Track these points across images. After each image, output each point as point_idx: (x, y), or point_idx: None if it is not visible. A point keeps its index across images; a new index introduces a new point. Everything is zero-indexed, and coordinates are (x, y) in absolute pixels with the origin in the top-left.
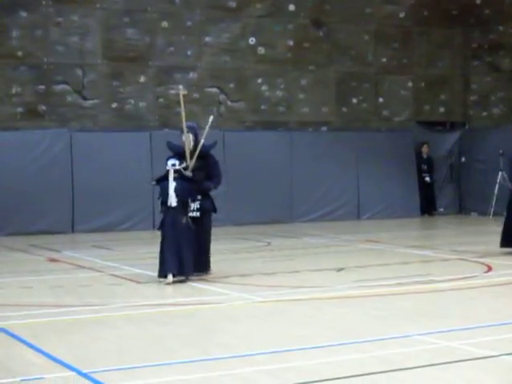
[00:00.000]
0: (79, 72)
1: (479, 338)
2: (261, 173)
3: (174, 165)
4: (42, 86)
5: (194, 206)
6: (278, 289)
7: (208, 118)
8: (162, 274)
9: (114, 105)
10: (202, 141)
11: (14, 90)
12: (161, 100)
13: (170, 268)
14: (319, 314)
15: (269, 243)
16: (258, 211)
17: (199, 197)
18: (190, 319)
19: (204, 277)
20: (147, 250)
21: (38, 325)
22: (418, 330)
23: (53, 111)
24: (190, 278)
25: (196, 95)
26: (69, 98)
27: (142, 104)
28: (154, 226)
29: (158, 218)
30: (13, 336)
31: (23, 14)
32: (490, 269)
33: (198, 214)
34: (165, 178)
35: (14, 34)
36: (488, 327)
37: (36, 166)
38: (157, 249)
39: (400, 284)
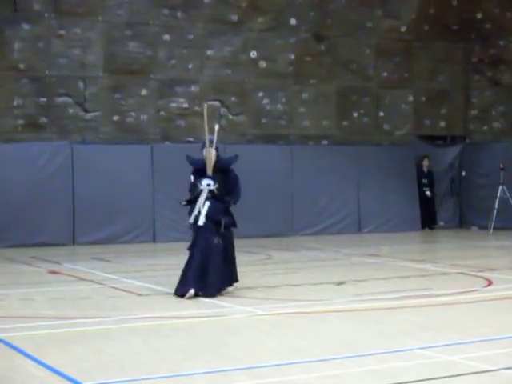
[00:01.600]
0: (81, 84)
1: (479, 352)
2: (261, 186)
3: (209, 185)
4: (44, 99)
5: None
6: (278, 302)
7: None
8: (181, 292)
9: (116, 117)
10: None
11: (15, 103)
12: (162, 113)
13: (192, 285)
14: (319, 328)
15: (269, 256)
16: (259, 224)
17: None
18: (191, 332)
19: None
20: (148, 262)
21: (38, 337)
22: (417, 343)
23: (54, 123)
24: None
25: (197, 108)
26: (70, 111)
27: (143, 117)
28: (154, 239)
29: (159, 230)
30: (13, 348)
31: (25, 26)
32: (490, 283)
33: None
34: (197, 197)
35: (17, 46)
36: (488, 341)
37: (37, 178)
38: (157, 261)
39: (400, 298)
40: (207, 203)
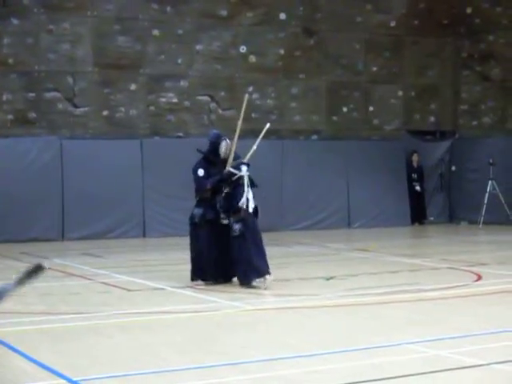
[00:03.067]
0: (70, 79)
1: (469, 346)
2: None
3: (248, 171)
4: (33, 94)
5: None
6: (268, 297)
7: (265, 125)
8: (261, 275)
9: (105, 112)
10: (255, 147)
11: (4, 98)
12: (152, 108)
13: (268, 268)
14: (309, 323)
15: None
16: None
17: None
18: (181, 327)
19: (193, 285)
20: (138, 257)
21: (29, 333)
22: (407, 338)
23: (43, 119)
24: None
25: (187, 103)
26: (59, 106)
27: (132, 112)
28: (144, 234)
29: (149, 225)
30: (4, 344)
31: (15, 21)
32: (479, 278)
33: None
34: (233, 182)
35: (5, 41)
36: (477, 336)
37: (26, 173)
38: (146, 256)
39: (390, 293)
40: (250, 190)
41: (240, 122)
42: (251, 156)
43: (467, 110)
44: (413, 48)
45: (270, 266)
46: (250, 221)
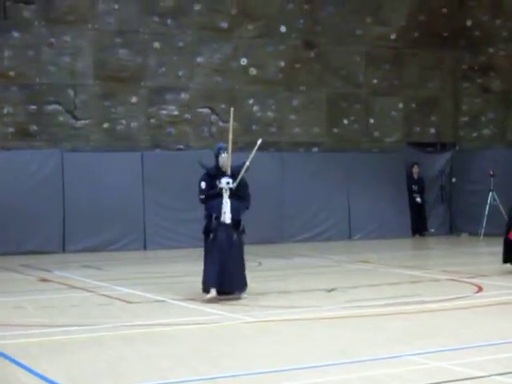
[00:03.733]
0: (71, 92)
1: (469, 358)
2: (252, 193)
3: (228, 183)
4: (34, 106)
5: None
6: (269, 309)
7: (256, 141)
8: (205, 288)
9: (106, 125)
10: (248, 163)
11: (5, 110)
12: (152, 120)
13: (214, 283)
14: (310, 335)
15: (260, 263)
16: (249, 231)
17: None
18: (181, 339)
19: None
20: (138, 270)
21: (30, 345)
22: (407, 350)
23: (44, 131)
24: (236, 294)
25: (188, 116)
26: (60, 118)
27: (133, 124)
28: (144, 247)
29: (149, 238)
30: (5, 356)
31: (16, 34)
32: (480, 289)
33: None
34: (215, 195)
35: (6, 53)
36: (478, 347)
37: (27, 186)
38: (147, 269)
39: (390, 304)
40: (229, 202)
41: (230, 137)
42: (245, 171)
43: (467, 121)
44: (413, 60)
45: (270, 278)
46: (219, 233)
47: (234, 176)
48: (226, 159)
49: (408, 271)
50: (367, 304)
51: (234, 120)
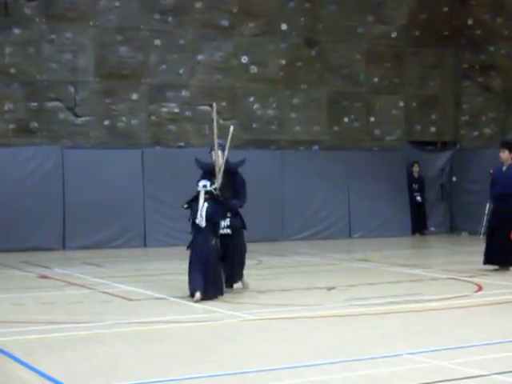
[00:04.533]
0: (71, 89)
1: (469, 357)
2: (252, 191)
3: (205, 186)
4: (35, 103)
5: (224, 223)
6: (268, 307)
7: (229, 129)
8: (190, 292)
9: (106, 122)
10: (226, 154)
11: (6, 107)
12: (153, 118)
13: (197, 286)
14: (309, 333)
15: (260, 261)
16: (249, 229)
17: (229, 214)
18: (181, 337)
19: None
20: (138, 267)
21: (29, 342)
22: (408, 349)
23: (45, 128)
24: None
25: (188, 113)
26: (61, 115)
27: (134, 121)
28: (145, 244)
29: (150, 235)
30: (4, 353)
31: (16, 31)
32: (480, 288)
33: (229, 230)
34: (196, 198)
35: (7, 50)
36: (478, 346)
37: (27, 182)
38: (147, 266)
39: (390, 303)
40: (205, 204)
41: (215, 134)
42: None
43: (468, 120)
44: (414, 59)
45: (270, 276)
46: (199, 236)
47: (230, 173)
48: (215, 157)
49: (408, 270)
50: (367, 302)
51: (235, 118)
